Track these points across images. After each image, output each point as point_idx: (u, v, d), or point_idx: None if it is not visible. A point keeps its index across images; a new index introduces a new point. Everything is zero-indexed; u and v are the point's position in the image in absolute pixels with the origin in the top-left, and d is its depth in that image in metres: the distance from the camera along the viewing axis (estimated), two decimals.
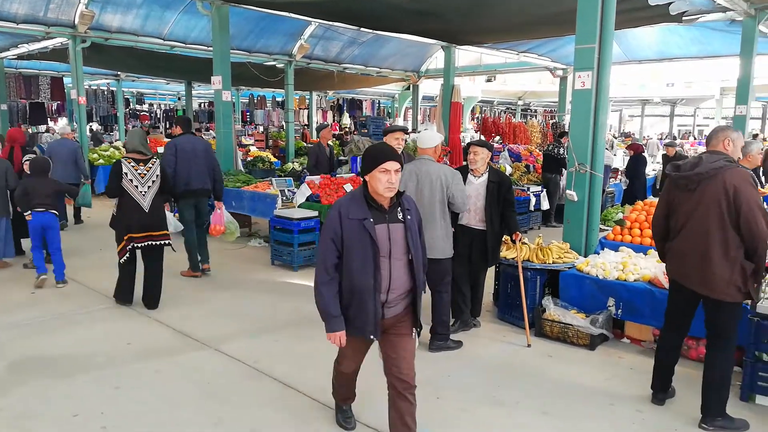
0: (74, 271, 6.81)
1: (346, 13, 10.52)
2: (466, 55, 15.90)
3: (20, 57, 14.86)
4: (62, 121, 23.75)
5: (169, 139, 9.28)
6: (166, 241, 5.64)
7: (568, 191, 5.55)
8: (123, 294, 5.67)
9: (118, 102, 22.31)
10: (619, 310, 4.82)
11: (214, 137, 13.04)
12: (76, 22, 11.25)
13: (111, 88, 22.72)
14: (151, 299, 5.62)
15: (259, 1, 9.72)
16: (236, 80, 13.26)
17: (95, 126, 21.68)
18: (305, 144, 17.35)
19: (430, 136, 4.63)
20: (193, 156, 6.46)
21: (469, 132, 21.04)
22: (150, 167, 5.54)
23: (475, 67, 17.24)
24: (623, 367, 4.42)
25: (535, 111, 29.15)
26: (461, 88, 14.34)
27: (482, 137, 17.21)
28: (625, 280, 4.78)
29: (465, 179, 4.86)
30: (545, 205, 10.07)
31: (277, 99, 24.54)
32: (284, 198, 7.61)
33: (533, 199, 9.93)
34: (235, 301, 5.90)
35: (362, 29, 12.36)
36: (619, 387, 4.08)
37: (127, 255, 5.46)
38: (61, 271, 6.27)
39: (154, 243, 5.53)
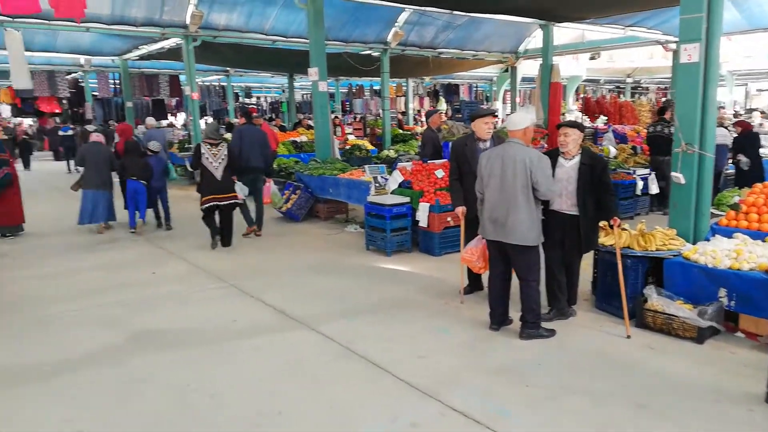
0: (186, 252, 7.49)
1: None
2: (567, 32, 15.16)
3: (141, 57, 16.26)
4: (181, 116, 25.71)
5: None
6: (233, 201, 7.55)
7: (673, 173, 5.17)
8: (213, 240, 7.63)
9: (228, 96, 23.73)
10: (732, 302, 4.44)
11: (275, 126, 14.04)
12: (187, 22, 12.10)
13: (222, 84, 24.23)
14: (226, 241, 7.67)
15: None
16: (334, 71, 13.60)
17: (209, 119, 23.22)
18: (401, 131, 17.47)
19: (519, 119, 4.50)
20: (251, 141, 8.09)
21: (572, 113, 20.11)
22: (220, 149, 7.47)
23: (577, 45, 16.39)
24: (735, 363, 4.09)
25: (647, 89, 27.21)
26: (562, 68, 13.71)
27: (586, 118, 16.39)
28: (738, 269, 4.39)
29: (556, 162, 4.69)
30: (654, 189, 9.42)
31: (375, 88, 24.89)
32: (377, 185, 7.75)
33: (640, 183, 9.35)
34: (331, 284, 6.14)
35: (456, 12, 12.18)
36: (728, 384, 3.78)
37: (207, 210, 7.47)
38: (143, 215, 8.82)
39: (224, 203, 7.46)
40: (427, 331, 4.77)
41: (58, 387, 3.90)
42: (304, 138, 15.04)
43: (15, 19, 10.49)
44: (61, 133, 19.17)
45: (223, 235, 7.66)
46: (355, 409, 3.56)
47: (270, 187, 8.50)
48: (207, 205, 7.45)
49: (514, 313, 4.72)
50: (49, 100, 19.10)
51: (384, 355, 4.28)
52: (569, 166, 4.74)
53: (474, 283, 5.63)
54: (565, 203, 4.75)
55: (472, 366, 4.12)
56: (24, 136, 20.91)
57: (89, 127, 10.31)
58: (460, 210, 5.32)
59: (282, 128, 17.62)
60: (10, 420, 3.50)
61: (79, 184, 8.87)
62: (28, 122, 27.01)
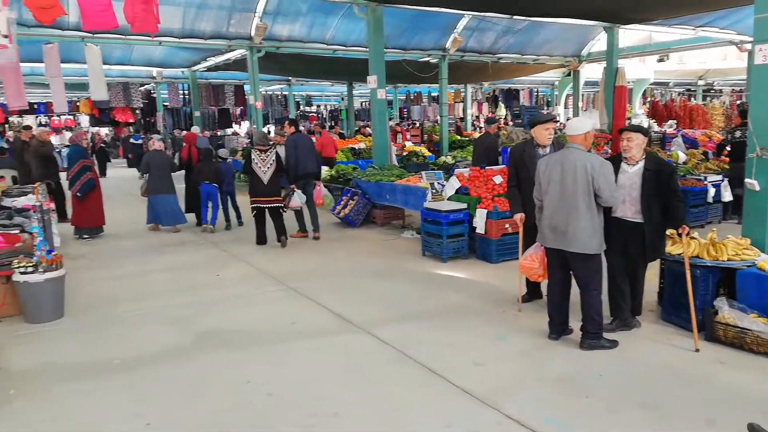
0: (247, 255, 7.75)
1: (500, 3, 10.33)
2: (632, 34, 14.68)
3: (209, 69, 16.99)
4: (244, 125, 26.59)
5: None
6: (279, 205, 8.06)
7: (747, 180, 4.90)
8: (258, 239, 8.31)
9: (290, 105, 24.35)
10: None
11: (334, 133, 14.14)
12: (252, 34, 12.56)
13: (284, 93, 24.89)
14: (280, 240, 8.14)
15: None
16: (392, 78, 13.73)
17: (272, 128, 23.92)
18: (459, 137, 17.38)
19: (579, 123, 4.41)
20: (304, 149, 8.53)
21: (638, 117, 19.40)
22: (268, 154, 8.02)
23: (644, 47, 15.82)
24: None
25: (720, 91, 25.87)
26: (628, 70, 13.26)
27: (653, 122, 15.77)
28: None
29: (618, 169, 4.55)
30: (727, 196, 8.94)
31: (433, 94, 24.89)
32: (434, 191, 7.75)
33: (712, 190, 8.89)
34: (387, 288, 6.19)
35: (517, 17, 12.04)
36: None
37: (255, 211, 8.11)
38: (213, 219, 9.50)
39: (270, 206, 8.01)
40: (484, 338, 4.72)
41: (129, 382, 4.12)
42: (362, 145, 15.24)
43: (95, 35, 11.21)
44: (132, 141, 20.28)
45: (277, 235, 8.17)
46: (410, 414, 3.57)
47: (320, 189, 8.88)
48: (254, 207, 8.10)
49: (575, 322, 4.61)
50: (124, 110, 20.23)
51: (439, 360, 4.28)
52: (632, 172, 4.58)
53: (532, 291, 5.53)
54: (629, 210, 4.59)
55: (531, 375, 4.05)
56: (101, 144, 22.23)
57: (155, 137, 11.04)
58: (519, 217, 5.25)
59: (341, 135, 17.93)
60: (87, 411, 3.73)
61: (146, 190, 9.55)
62: (104, 131, 28.66)
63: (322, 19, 12.72)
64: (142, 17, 8.10)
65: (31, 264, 5.29)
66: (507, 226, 6.86)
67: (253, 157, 8.06)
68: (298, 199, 8.20)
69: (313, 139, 14.18)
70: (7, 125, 18.52)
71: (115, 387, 4.04)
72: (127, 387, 4.03)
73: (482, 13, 12.24)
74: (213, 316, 5.46)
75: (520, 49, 15.83)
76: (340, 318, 5.30)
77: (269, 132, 16.34)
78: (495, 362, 4.26)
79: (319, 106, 32.67)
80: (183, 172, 10.15)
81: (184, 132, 15.32)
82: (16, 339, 4.95)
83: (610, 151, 11.45)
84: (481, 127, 23.60)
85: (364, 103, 30.17)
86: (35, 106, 21.89)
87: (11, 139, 14.86)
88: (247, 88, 19.78)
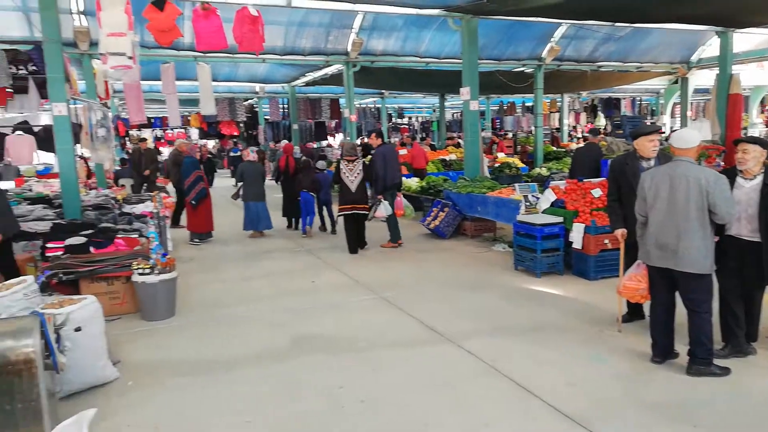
0: (341, 264, 7.98)
1: (604, 12, 9.97)
2: (749, 38, 13.58)
3: (307, 84, 17.72)
4: (339, 137, 27.41)
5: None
6: (365, 212, 8.50)
7: None
8: (349, 246, 8.59)
9: (382, 117, 24.80)
10: None
11: (425, 145, 14.13)
12: (348, 49, 12.97)
13: (376, 106, 25.41)
14: (361, 245, 8.67)
15: (508, 10, 9.85)
16: (485, 89, 13.63)
17: (365, 140, 24.49)
18: (554, 148, 16.88)
19: (689, 136, 4.15)
20: (392, 160, 8.79)
21: (755, 127, 17.90)
22: (356, 164, 8.48)
23: (763, 52, 14.58)
24: None
25: None
26: (745, 76, 12.29)
27: None
28: None
29: (733, 183, 4.23)
30: None
31: (527, 104, 24.37)
32: (527, 203, 7.59)
33: None
34: (477, 301, 6.13)
35: (619, 24, 11.56)
36: None
37: (343, 218, 8.53)
38: (310, 223, 10.18)
39: (357, 212, 8.45)
40: (579, 357, 4.56)
41: (231, 380, 4.38)
42: (453, 156, 15.21)
43: (206, 54, 12.07)
44: (231, 153, 21.49)
45: (358, 241, 8.64)
46: (499, 428, 3.52)
47: (401, 200, 9.03)
48: (342, 214, 8.54)
49: (680, 346, 4.33)
50: (229, 123, 21.50)
51: (531, 377, 4.18)
52: (749, 187, 4.25)
53: (633, 311, 5.25)
54: (745, 228, 4.26)
55: (630, 398, 3.86)
56: (208, 156, 23.79)
57: (250, 148, 11.83)
58: (620, 233, 5.02)
59: (432, 147, 18.00)
60: (194, 405, 4.01)
61: (237, 195, 10.43)
62: (211, 143, 30.64)
63: (416, 32, 12.90)
64: (249, 37, 8.63)
65: (148, 266, 5.77)
66: (606, 241, 6.58)
67: (341, 167, 8.52)
68: (384, 209, 8.49)
69: (404, 150, 14.41)
70: (127, 138, 20.29)
71: (219, 384, 4.31)
72: (230, 385, 4.29)
73: (582, 21, 11.87)
74: (309, 322, 5.68)
75: (623, 57, 15.15)
76: (431, 329, 5.32)
77: (360, 144, 16.77)
78: (590, 383, 4.10)
79: (410, 117, 33.01)
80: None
81: (284, 142, 16.10)
82: (134, 335, 5.42)
83: (722, 163, 10.65)
84: (578, 138, 22.79)
85: (455, 114, 30.12)
86: (152, 121, 23.86)
87: (130, 151, 16.32)
88: (342, 101, 20.41)
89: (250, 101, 22.51)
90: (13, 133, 9.45)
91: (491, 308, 5.88)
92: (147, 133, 24.18)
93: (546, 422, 3.59)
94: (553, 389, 3.98)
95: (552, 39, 13.75)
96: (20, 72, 8.17)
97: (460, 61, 10.58)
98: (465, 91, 10.08)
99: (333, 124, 24.69)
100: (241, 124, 22.50)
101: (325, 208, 10.65)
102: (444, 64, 14.04)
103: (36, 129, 9.67)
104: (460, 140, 18.53)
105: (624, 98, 24.10)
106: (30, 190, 9.95)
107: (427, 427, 3.57)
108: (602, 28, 12.91)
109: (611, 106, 23.41)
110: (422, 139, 24.59)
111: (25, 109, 8.71)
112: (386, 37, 13.04)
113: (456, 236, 9.54)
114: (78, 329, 3.98)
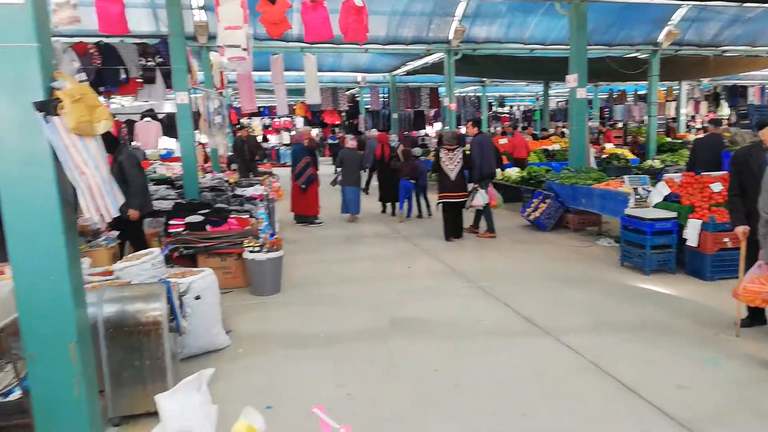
0: (437, 251, 8.03)
1: None
2: None
3: (407, 73, 17.83)
4: (436, 125, 27.35)
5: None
6: (463, 200, 8.51)
7: None
8: (445, 233, 8.67)
9: (483, 106, 24.42)
10: None
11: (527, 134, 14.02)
12: (450, 37, 12.88)
13: (477, 94, 25.05)
14: (456, 233, 8.69)
15: None
16: (593, 76, 12.98)
17: (463, 129, 24.24)
18: (669, 139, 15.78)
19: None
20: (489, 149, 8.88)
21: None
22: (456, 153, 8.46)
23: None
24: None
25: None
26: None
27: None
28: None
29: None
30: None
31: (640, 92, 22.96)
32: (637, 197, 7.19)
33: None
34: (579, 296, 5.93)
35: (748, 5, 10.55)
36: None
37: (442, 206, 8.65)
38: (409, 211, 10.69)
39: (456, 201, 8.50)
40: (690, 360, 4.29)
41: (332, 355, 4.59)
42: (556, 146, 14.68)
43: (312, 45, 12.50)
44: (329, 141, 22.09)
45: (454, 228, 8.67)
46: (602, 426, 3.42)
47: (493, 191, 8.89)
48: (441, 202, 8.63)
49: None
50: (332, 112, 22.14)
51: (636, 377, 4.00)
52: None
53: (755, 315, 4.84)
54: None
55: (747, 407, 3.59)
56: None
57: (348, 136, 12.21)
58: (742, 230, 4.64)
59: (534, 136, 17.48)
60: (298, 375, 4.24)
61: (335, 181, 10.98)
62: (314, 132, 31.75)
63: (521, 18, 12.55)
64: (354, 27, 8.83)
65: (257, 245, 6.15)
66: (726, 240, 6.10)
67: (441, 155, 8.60)
68: (481, 198, 8.50)
69: (505, 140, 14.12)
70: (238, 126, 21.54)
71: (321, 358, 4.53)
72: (331, 359, 4.49)
73: (705, 2, 10.97)
74: (405, 305, 5.78)
75: (751, 40, 13.80)
76: (528, 321, 5.23)
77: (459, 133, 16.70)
78: (702, 387, 3.85)
79: (511, 106, 32.19)
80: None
81: (374, 131, 16.46)
82: (244, 308, 5.81)
83: None
84: (697, 129, 21.12)
85: (559, 103, 28.98)
86: (260, 110, 25.12)
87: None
88: (441, 90, 20.33)
89: (351, 91, 23.03)
90: (141, 119, 10.36)
91: (594, 304, 5.67)
92: (256, 122, 25.50)
93: (653, 424, 3.43)
94: (661, 391, 3.78)
95: (670, 22, 12.80)
96: (149, 64, 8.92)
97: (567, 47, 10.17)
98: (572, 79, 9.68)
99: (432, 113, 24.69)
100: (343, 113, 23.09)
101: (421, 193, 10.88)
102: (550, 51, 13.55)
103: (160, 116, 10.54)
104: (564, 129, 17.86)
105: (753, 86, 21.98)
106: (154, 172, 10.90)
107: (525, 417, 3.54)
108: (728, 9, 11.85)
109: (737, 94, 21.44)
110: (524, 128, 23.94)
111: (152, 98, 9.50)
112: (489, 23, 12.79)
113: (557, 229, 9.24)
114: (198, 297, 4.34)
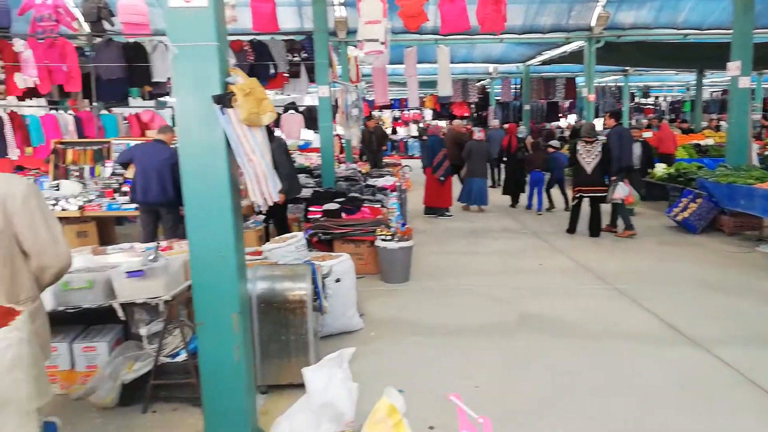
0: (570, 249, 7.75)
1: None
2: None
3: (543, 63, 17.19)
4: (571, 118, 26.12)
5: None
6: (602, 194, 8.19)
7: None
8: (570, 225, 8.64)
9: (624, 96, 22.87)
10: None
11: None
12: (592, 24, 12.22)
13: (618, 84, 23.51)
14: (594, 230, 8.38)
15: None
16: (758, 64, 11.60)
17: (600, 121, 22.92)
18: None
19: None
20: (628, 141, 8.70)
21: None
22: (594, 146, 8.22)
23: None
24: None
25: None
26: None
27: None
28: None
29: None
30: None
31: None
32: None
33: None
34: (731, 305, 5.41)
35: None
36: None
37: (577, 200, 8.48)
38: (539, 207, 10.56)
39: (594, 195, 8.23)
40: None
41: (459, 345, 4.64)
42: (709, 141, 13.38)
43: (446, 37, 12.52)
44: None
45: (591, 224, 8.42)
46: None
47: (629, 186, 8.41)
48: (578, 196, 8.47)
49: None
50: (461, 105, 22.02)
51: None
52: None
53: None
54: None
55: None
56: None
57: (475, 129, 12.04)
58: None
59: (689, 131, 16.01)
60: (426, 362, 4.36)
61: (465, 173, 10.90)
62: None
63: (674, 1, 11.56)
64: (492, 17, 8.72)
65: (389, 233, 6.36)
66: None
67: (578, 148, 8.35)
68: (621, 190, 8.16)
69: (650, 133, 13.13)
70: (369, 117, 22.16)
71: (451, 347, 4.59)
72: (458, 349, 4.54)
73: None
74: (535, 301, 5.67)
75: None
76: (671, 328, 4.88)
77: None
78: None
79: (656, 97, 29.73)
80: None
81: (495, 122, 16.24)
82: (375, 293, 6.05)
83: None
84: None
85: (713, 93, 26.25)
86: (391, 102, 25.67)
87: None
88: (579, 80, 19.35)
89: (482, 82, 22.70)
90: (285, 112, 11.10)
91: (748, 314, 5.16)
92: (386, 114, 26.11)
93: None
94: None
95: None
96: (295, 59, 9.54)
97: (727, 31, 9.20)
98: (734, 66, 8.75)
99: (566, 104, 23.60)
100: (472, 105, 22.87)
101: (558, 186, 10.79)
102: (706, 36, 12.34)
103: (301, 109, 11.21)
104: (722, 122, 16.22)
105: None
106: (294, 162, 11.63)
107: (667, 428, 3.34)
108: None
109: None
110: (672, 120, 22.05)
111: (296, 91, 10.15)
112: (637, 8, 11.94)
113: (708, 231, 8.46)
114: (338, 280, 4.62)
